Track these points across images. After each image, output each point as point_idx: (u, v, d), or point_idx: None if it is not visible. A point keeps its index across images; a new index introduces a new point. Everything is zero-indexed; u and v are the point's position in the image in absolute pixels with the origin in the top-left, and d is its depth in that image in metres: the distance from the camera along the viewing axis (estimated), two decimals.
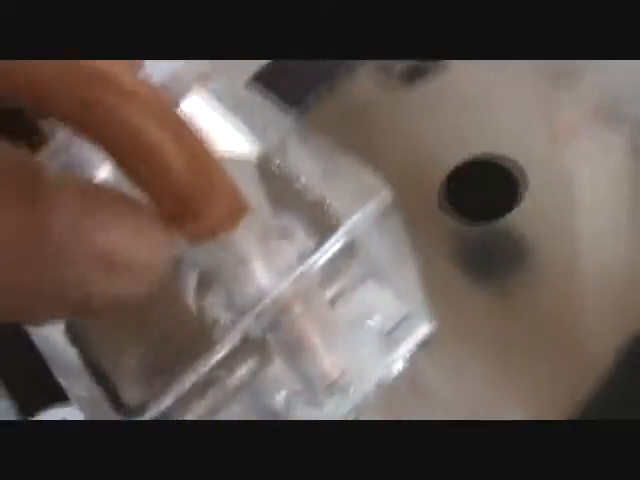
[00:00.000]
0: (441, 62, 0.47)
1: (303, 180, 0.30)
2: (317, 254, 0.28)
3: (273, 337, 0.29)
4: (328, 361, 0.32)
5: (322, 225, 0.29)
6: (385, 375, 0.36)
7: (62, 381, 0.33)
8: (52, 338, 0.32)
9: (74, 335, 0.32)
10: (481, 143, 0.43)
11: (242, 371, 0.31)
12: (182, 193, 0.19)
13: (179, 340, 0.29)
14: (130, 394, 0.29)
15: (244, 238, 0.26)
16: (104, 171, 0.28)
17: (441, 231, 0.40)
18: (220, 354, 0.27)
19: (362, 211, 0.28)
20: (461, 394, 0.37)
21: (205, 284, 0.29)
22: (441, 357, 0.38)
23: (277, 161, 0.31)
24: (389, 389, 0.36)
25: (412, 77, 0.48)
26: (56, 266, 0.16)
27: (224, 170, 0.20)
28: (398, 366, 0.36)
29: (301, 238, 0.29)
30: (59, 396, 0.40)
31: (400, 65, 0.49)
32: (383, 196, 0.28)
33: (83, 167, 0.29)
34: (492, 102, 0.45)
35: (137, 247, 0.18)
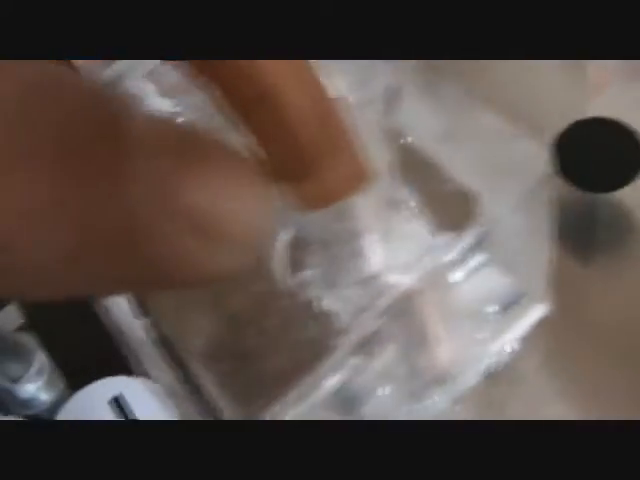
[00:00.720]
0: None
1: (428, 145, 0.25)
2: (454, 244, 0.24)
3: (392, 328, 0.25)
4: (442, 350, 0.28)
5: (456, 207, 0.25)
6: (493, 362, 0.32)
7: (129, 355, 0.30)
8: (117, 309, 0.29)
9: (142, 307, 0.28)
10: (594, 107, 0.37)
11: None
12: (303, 143, 0.17)
13: (266, 325, 0.25)
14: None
15: (363, 209, 0.21)
16: None
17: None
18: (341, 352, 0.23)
19: (508, 190, 0.24)
20: (569, 387, 0.33)
21: (302, 259, 0.25)
22: (550, 343, 0.33)
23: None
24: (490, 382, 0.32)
25: None
26: (147, 244, 0.14)
27: (347, 126, 0.18)
28: (508, 350, 0.32)
29: (423, 217, 0.25)
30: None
31: None
32: (537, 166, 0.24)
33: None
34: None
35: (240, 214, 0.15)
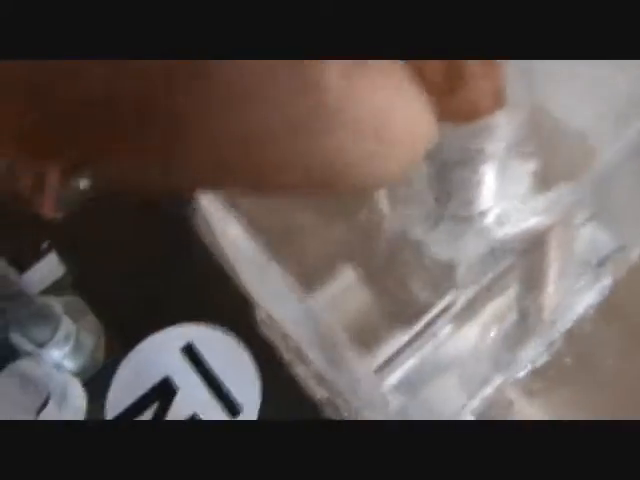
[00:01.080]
0: None
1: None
2: (582, 185, 0.23)
3: (519, 264, 0.24)
4: (552, 295, 0.27)
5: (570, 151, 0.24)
6: (586, 311, 0.31)
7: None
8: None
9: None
10: None
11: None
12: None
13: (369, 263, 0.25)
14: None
15: (496, 132, 0.20)
16: None
17: None
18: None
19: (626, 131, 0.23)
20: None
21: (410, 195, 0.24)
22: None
23: None
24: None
25: None
26: (328, 128, 0.14)
27: None
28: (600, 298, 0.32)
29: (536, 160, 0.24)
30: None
31: None
32: None
33: None
34: None
35: (410, 121, 0.16)
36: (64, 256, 0.40)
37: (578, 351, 0.31)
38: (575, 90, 0.25)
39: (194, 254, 0.37)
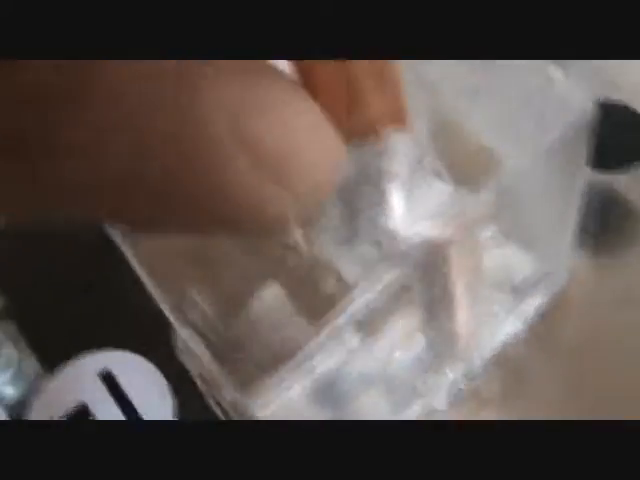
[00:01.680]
0: None
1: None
2: (483, 189, 0.22)
3: (421, 282, 0.24)
4: (464, 322, 0.26)
5: (479, 166, 0.23)
6: (508, 338, 0.31)
7: None
8: None
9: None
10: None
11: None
12: (355, 73, 0.16)
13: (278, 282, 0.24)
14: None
15: (397, 149, 0.20)
16: None
17: None
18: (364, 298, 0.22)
19: (534, 141, 0.23)
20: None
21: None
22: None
23: None
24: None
25: None
26: (209, 167, 0.13)
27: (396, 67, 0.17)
28: (519, 331, 0.31)
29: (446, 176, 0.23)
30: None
31: None
32: (579, 111, 0.23)
33: None
34: None
35: (311, 149, 0.14)
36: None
37: (500, 381, 0.31)
38: (481, 104, 0.25)
39: (117, 279, 0.36)
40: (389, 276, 0.22)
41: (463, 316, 0.26)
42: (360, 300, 0.22)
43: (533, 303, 0.31)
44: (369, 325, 0.25)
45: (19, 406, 0.35)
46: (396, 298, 0.23)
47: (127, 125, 0.12)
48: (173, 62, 0.13)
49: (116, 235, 0.29)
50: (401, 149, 0.20)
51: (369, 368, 0.27)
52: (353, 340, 0.25)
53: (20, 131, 0.12)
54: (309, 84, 0.15)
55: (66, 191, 0.13)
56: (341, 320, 0.22)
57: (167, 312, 0.32)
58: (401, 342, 0.27)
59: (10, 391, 0.36)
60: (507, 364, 0.31)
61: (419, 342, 0.27)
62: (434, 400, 0.30)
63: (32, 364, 0.36)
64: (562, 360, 0.31)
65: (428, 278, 0.23)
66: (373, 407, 0.29)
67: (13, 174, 0.13)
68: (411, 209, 0.22)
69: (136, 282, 0.32)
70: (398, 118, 0.18)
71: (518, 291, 0.30)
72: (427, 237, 0.22)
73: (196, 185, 0.13)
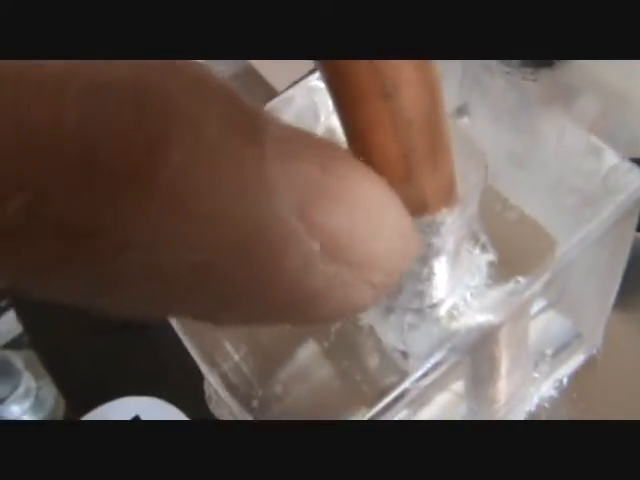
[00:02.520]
0: None
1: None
2: (531, 284, 0.22)
3: (470, 360, 0.23)
4: (503, 389, 0.26)
5: (526, 243, 0.23)
6: (542, 401, 0.31)
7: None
8: None
9: None
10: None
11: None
12: (409, 145, 0.15)
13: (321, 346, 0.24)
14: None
15: (447, 226, 0.20)
16: None
17: None
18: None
19: (587, 223, 0.22)
20: None
21: None
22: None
23: None
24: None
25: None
26: (272, 253, 0.11)
27: (450, 137, 0.16)
28: (554, 393, 0.31)
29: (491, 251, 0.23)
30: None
31: None
32: (623, 190, 0.22)
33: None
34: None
35: (385, 242, 0.13)
36: (22, 315, 0.39)
37: None
38: (534, 180, 0.24)
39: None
40: (444, 364, 0.21)
41: (504, 385, 0.26)
42: (413, 389, 0.21)
43: (567, 368, 0.31)
44: (415, 403, 0.25)
45: None
46: (446, 378, 0.23)
47: (192, 213, 0.11)
48: (248, 126, 0.12)
49: None
50: (450, 225, 0.19)
51: None
52: (400, 415, 0.24)
53: (82, 213, 0.11)
54: (367, 161, 0.14)
55: (127, 285, 0.12)
56: (392, 404, 0.21)
57: (198, 360, 0.32)
58: (443, 413, 0.27)
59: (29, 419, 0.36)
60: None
61: (460, 409, 0.27)
62: None
63: (50, 394, 0.36)
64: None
65: (477, 356, 0.23)
66: None
67: (68, 263, 0.11)
68: (457, 282, 0.22)
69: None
70: (449, 196, 0.17)
71: (556, 356, 0.30)
72: (481, 322, 0.22)
73: (267, 272, 0.12)
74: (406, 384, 0.21)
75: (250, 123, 0.12)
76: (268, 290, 0.12)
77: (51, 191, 0.10)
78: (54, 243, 0.11)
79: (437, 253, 0.20)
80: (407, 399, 0.21)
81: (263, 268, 0.12)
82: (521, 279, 0.22)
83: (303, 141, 0.12)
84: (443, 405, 0.26)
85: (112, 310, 0.12)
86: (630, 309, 0.33)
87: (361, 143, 0.15)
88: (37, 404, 0.37)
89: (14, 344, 0.39)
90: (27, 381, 0.37)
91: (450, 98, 0.26)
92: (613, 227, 0.23)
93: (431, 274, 0.21)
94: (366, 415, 0.21)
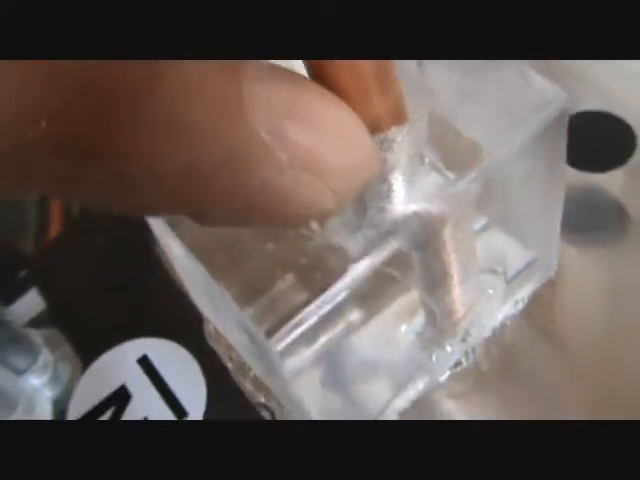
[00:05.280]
0: None
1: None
2: (470, 175, 0.25)
3: (418, 257, 0.26)
4: (460, 297, 0.29)
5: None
6: (501, 323, 0.33)
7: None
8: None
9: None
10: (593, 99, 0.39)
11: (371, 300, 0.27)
12: (359, 70, 0.17)
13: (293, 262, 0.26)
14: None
15: (399, 144, 0.22)
16: None
17: None
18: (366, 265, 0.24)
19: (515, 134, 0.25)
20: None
21: None
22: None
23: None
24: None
25: None
26: (251, 166, 0.14)
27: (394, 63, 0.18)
28: (514, 314, 0.33)
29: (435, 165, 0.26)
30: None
31: None
32: (554, 102, 0.25)
33: None
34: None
35: (345, 155, 0.15)
36: (42, 288, 0.42)
37: (498, 358, 0.33)
38: (476, 110, 0.27)
39: (153, 274, 0.39)
40: (384, 247, 0.24)
41: (459, 293, 0.28)
42: (356, 268, 0.24)
43: (526, 289, 0.33)
44: (370, 300, 0.27)
45: (56, 405, 0.37)
46: (393, 272, 0.26)
47: (182, 122, 0.13)
48: (224, 72, 0.14)
49: (154, 241, 0.31)
50: (402, 144, 0.22)
51: (372, 346, 0.29)
52: (354, 314, 0.27)
53: (90, 132, 0.13)
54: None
55: (130, 186, 0.14)
56: (337, 287, 0.24)
57: (199, 305, 0.35)
58: (403, 318, 0.29)
59: (47, 393, 0.38)
60: (504, 343, 0.33)
61: (420, 318, 0.29)
62: (437, 375, 0.32)
63: (67, 368, 0.39)
64: (554, 339, 0.33)
65: (425, 255, 0.26)
66: (377, 388, 0.32)
67: (84, 172, 0.14)
68: (411, 195, 0.24)
69: (172, 280, 0.35)
70: (399, 116, 0.19)
71: (511, 278, 0.32)
72: (421, 212, 0.24)
73: (243, 177, 0.14)
74: (350, 271, 0.24)
75: (229, 62, 0.14)
76: (244, 191, 0.14)
77: (65, 115, 0.13)
78: (71, 156, 0.13)
79: (392, 169, 0.23)
80: (354, 289, 0.24)
81: (240, 173, 0.14)
82: (450, 174, 0.25)
83: (275, 71, 0.15)
84: (400, 312, 0.29)
85: (121, 209, 0.15)
86: (585, 244, 0.36)
87: (318, 75, 0.17)
88: (54, 377, 0.38)
89: (34, 323, 0.41)
90: (45, 356, 0.39)
91: None
92: (540, 140, 0.25)
93: (390, 190, 0.23)
94: (312, 303, 0.23)
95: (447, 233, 0.25)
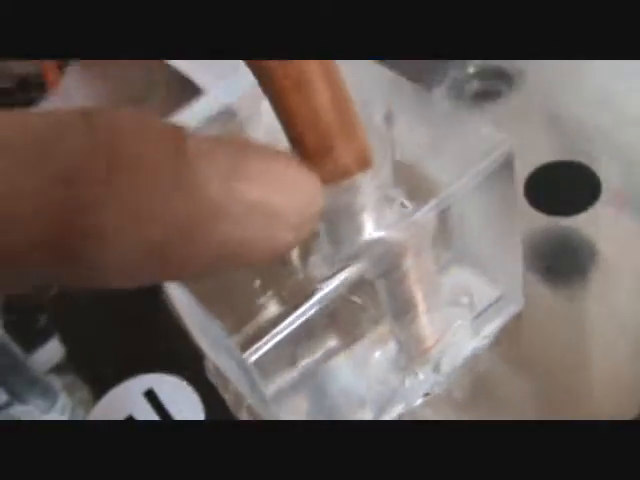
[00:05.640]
0: (514, 84, 0.48)
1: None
2: (428, 206, 0.28)
3: (384, 285, 0.29)
4: (427, 326, 0.32)
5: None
6: (472, 354, 0.36)
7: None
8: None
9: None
10: (560, 151, 0.43)
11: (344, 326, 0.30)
12: (325, 126, 0.20)
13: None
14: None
15: (365, 187, 0.25)
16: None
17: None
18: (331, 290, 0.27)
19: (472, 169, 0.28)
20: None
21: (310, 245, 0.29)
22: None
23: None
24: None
25: (483, 98, 0.48)
26: (212, 222, 0.16)
27: (358, 116, 0.21)
28: (484, 345, 0.36)
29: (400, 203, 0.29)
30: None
31: (470, 86, 0.49)
32: (500, 147, 0.28)
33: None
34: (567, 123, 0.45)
35: (290, 196, 0.17)
36: (60, 332, 0.45)
37: (470, 386, 0.36)
38: (430, 150, 0.31)
39: (160, 317, 0.42)
40: (350, 271, 0.27)
41: (425, 323, 0.31)
42: (323, 288, 0.27)
43: (494, 323, 0.36)
44: (345, 327, 0.30)
45: None
46: (358, 300, 0.29)
47: (140, 211, 0.15)
48: (171, 140, 0.15)
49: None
50: (368, 187, 0.25)
51: (350, 372, 0.32)
52: (332, 341, 0.30)
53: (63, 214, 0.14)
54: (296, 140, 0.20)
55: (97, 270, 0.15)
56: (307, 305, 0.27)
57: (199, 342, 0.38)
58: (377, 345, 0.32)
59: None
60: (476, 372, 0.36)
61: (392, 345, 0.32)
62: (410, 401, 0.35)
63: (83, 411, 0.42)
64: (524, 368, 0.36)
65: (389, 284, 0.29)
66: (355, 412, 0.34)
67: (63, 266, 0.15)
68: (376, 225, 0.27)
69: (177, 320, 0.38)
70: (363, 163, 0.22)
71: (480, 312, 0.35)
72: (385, 239, 0.27)
73: (205, 237, 0.16)
74: (319, 291, 0.27)
75: (173, 142, 0.16)
76: (210, 249, 0.16)
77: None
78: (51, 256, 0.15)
79: (362, 209, 0.26)
80: (323, 308, 0.27)
81: (202, 234, 0.16)
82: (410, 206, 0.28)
83: (217, 141, 0.17)
84: (375, 339, 0.32)
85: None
86: (556, 282, 0.39)
87: (290, 128, 0.20)
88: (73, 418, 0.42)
89: (54, 369, 0.44)
90: (64, 400, 0.42)
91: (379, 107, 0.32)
92: (489, 178, 0.29)
93: (361, 227, 0.26)
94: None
95: (409, 263, 0.28)
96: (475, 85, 0.50)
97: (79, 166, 0.14)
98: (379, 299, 0.30)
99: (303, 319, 0.27)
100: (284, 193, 0.17)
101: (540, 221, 0.40)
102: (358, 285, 0.28)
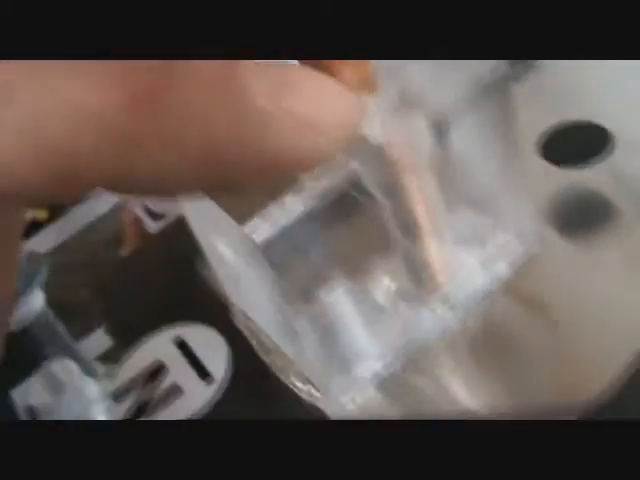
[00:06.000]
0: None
1: None
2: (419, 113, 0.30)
3: (389, 205, 0.31)
4: (437, 260, 0.33)
5: None
6: (485, 293, 0.37)
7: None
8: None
9: None
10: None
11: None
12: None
13: None
14: None
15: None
16: None
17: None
18: None
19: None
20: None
21: None
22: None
23: None
24: None
25: None
26: (262, 129, 0.17)
27: None
28: (497, 286, 0.37)
29: None
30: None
31: None
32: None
33: None
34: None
35: (335, 110, 0.18)
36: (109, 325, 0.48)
37: (483, 326, 0.37)
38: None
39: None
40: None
41: (435, 252, 0.33)
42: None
43: (505, 264, 0.37)
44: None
45: None
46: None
47: (198, 117, 0.16)
48: (221, 63, 0.16)
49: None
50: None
51: (360, 300, 0.34)
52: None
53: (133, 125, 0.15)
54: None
55: (160, 175, 0.16)
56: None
57: (229, 292, 0.40)
58: (388, 273, 0.34)
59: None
60: (489, 310, 0.37)
61: (404, 274, 0.34)
62: (425, 334, 0.36)
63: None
64: (537, 309, 0.37)
65: (393, 199, 0.31)
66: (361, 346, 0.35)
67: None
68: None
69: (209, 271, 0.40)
70: (367, 84, 0.23)
71: (490, 253, 0.36)
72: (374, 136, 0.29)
73: (259, 149, 0.17)
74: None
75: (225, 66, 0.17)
76: (258, 155, 0.17)
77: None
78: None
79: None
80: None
81: (254, 142, 0.17)
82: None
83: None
84: (385, 267, 0.33)
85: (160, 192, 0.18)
86: (571, 232, 0.40)
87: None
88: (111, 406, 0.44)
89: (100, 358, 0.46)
90: (105, 387, 0.43)
91: None
92: (483, 93, 0.30)
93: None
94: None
95: (407, 179, 0.30)
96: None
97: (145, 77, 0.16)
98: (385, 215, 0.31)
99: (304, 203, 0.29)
100: (329, 107, 0.18)
101: (555, 175, 0.41)
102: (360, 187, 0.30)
